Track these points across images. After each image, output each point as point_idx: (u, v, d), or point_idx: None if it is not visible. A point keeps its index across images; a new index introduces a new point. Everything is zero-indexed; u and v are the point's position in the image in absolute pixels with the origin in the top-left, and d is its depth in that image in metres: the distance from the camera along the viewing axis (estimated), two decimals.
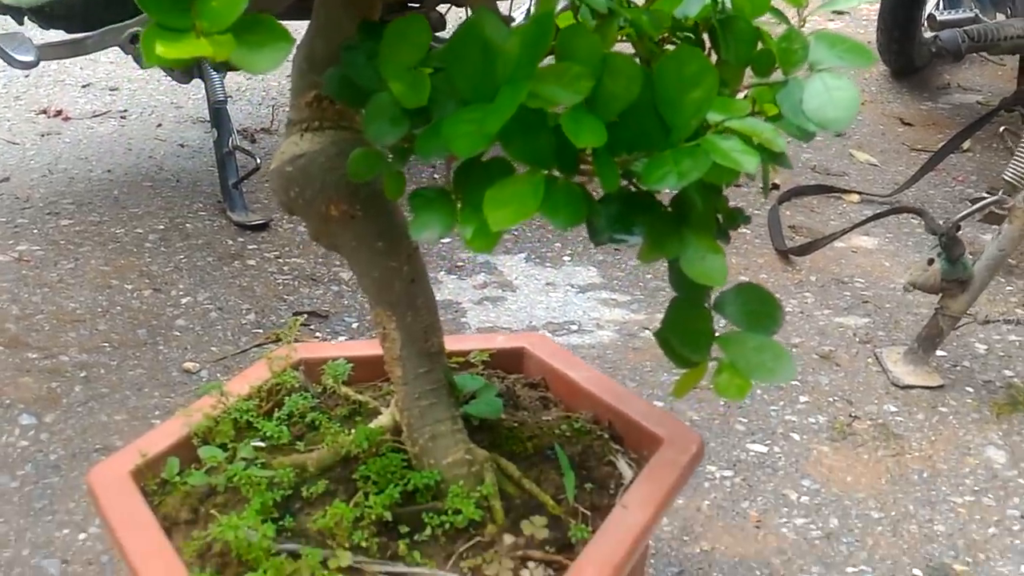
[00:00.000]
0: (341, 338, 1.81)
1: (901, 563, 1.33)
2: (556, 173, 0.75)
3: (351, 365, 1.13)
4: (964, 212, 1.58)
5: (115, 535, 0.92)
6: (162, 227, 2.17)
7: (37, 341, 1.74)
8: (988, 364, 1.80)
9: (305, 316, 1.86)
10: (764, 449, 1.55)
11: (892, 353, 1.79)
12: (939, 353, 1.79)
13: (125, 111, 2.82)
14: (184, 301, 1.89)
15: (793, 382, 1.72)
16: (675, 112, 0.75)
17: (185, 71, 2.21)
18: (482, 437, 1.02)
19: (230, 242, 2.12)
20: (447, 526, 0.89)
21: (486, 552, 0.88)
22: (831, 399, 1.68)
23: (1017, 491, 1.48)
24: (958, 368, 1.78)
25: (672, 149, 0.75)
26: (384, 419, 1.02)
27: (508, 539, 0.89)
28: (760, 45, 0.85)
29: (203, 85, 2.29)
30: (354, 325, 1.85)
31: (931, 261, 1.68)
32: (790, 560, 1.33)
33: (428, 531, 0.89)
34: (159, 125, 2.73)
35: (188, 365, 1.70)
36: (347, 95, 0.83)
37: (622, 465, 1.00)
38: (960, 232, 1.62)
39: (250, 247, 2.11)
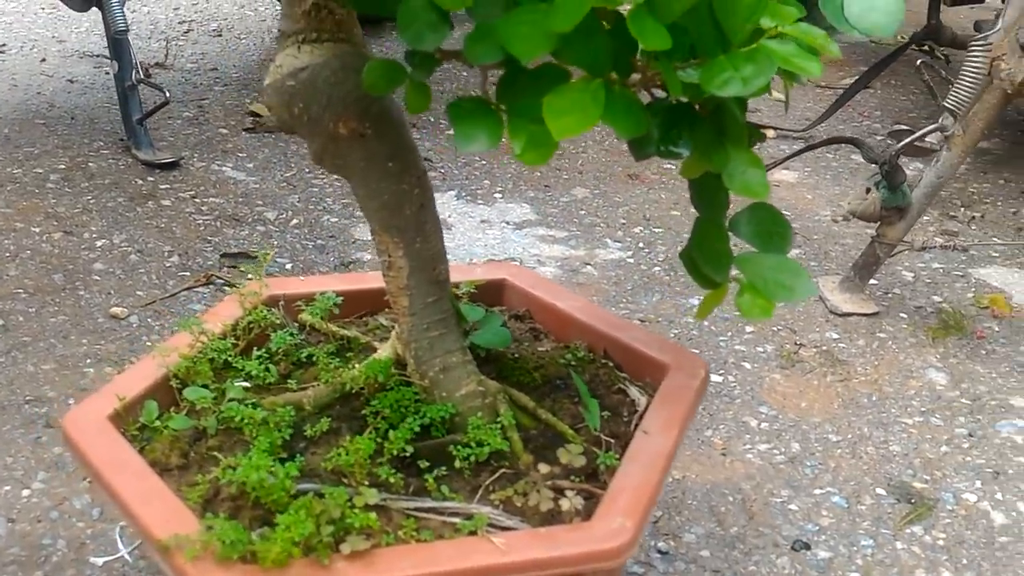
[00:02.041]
0: None
1: (864, 483, 1.36)
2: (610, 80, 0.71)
3: (340, 299, 1.06)
4: (905, 140, 1.60)
5: (104, 482, 0.84)
6: (63, 167, 2.02)
7: None
8: (917, 290, 1.85)
9: (234, 258, 1.77)
10: (719, 379, 1.56)
11: (828, 282, 1.82)
12: (871, 282, 1.83)
13: (3, 45, 2.62)
14: (99, 244, 1.77)
15: (735, 313, 1.73)
16: (730, 16, 0.72)
17: None
18: (489, 369, 0.98)
19: (140, 182, 2.00)
20: (471, 459, 0.86)
21: (515, 483, 0.84)
22: (775, 328, 1.70)
23: (961, 411, 1.53)
24: (890, 295, 1.83)
25: (728, 54, 0.72)
26: (384, 352, 0.97)
27: (543, 468, 0.85)
28: None
29: (100, 15, 2.13)
30: (287, 266, 1.77)
31: (868, 190, 1.71)
32: (759, 484, 1.34)
33: (452, 464, 0.85)
34: (43, 60, 2.55)
35: (115, 310, 1.59)
36: (366, 2, 0.77)
37: (634, 392, 0.98)
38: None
39: (162, 187, 1.99)
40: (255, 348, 1.04)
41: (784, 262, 0.87)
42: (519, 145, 0.70)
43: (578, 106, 0.68)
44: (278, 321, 1.05)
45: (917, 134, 1.62)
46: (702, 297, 0.88)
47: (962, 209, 2.17)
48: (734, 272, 0.87)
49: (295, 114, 0.84)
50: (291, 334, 1.03)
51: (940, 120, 1.61)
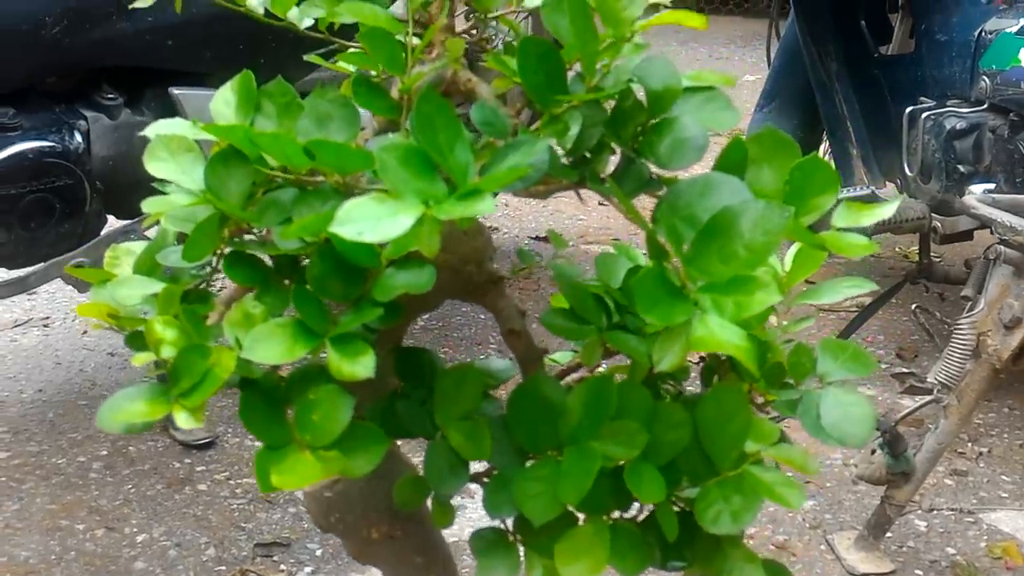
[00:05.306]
0: (307, 569, 1.79)
1: None
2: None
3: None
4: (904, 412, 1.69)
5: None
6: (105, 453, 2.12)
7: None
8: (931, 543, 1.90)
9: (267, 547, 1.84)
10: None
11: (843, 539, 1.87)
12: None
13: (47, 318, 2.77)
14: (140, 539, 1.85)
15: None
16: (716, 445, 0.81)
17: None
18: None
19: (177, 465, 2.09)
20: None
21: None
22: None
23: None
24: (904, 549, 1.88)
25: (716, 480, 0.81)
26: None
27: None
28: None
29: None
30: (318, 552, 1.84)
31: (873, 451, 1.78)
32: None
33: None
34: (84, 332, 2.69)
35: None
36: (393, 430, 0.87)
37: None
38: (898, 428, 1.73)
39: (199, 469, 2.08)
40: None
41: None
42: None
43: (587, 550, 0.77)
44: None
45: (913, 407, 1.71)
46: None
47: (969, 444, 2.23)
48: None
49: (332, 522, 0.93)
50: None
51: (935, 392, 1.70)
